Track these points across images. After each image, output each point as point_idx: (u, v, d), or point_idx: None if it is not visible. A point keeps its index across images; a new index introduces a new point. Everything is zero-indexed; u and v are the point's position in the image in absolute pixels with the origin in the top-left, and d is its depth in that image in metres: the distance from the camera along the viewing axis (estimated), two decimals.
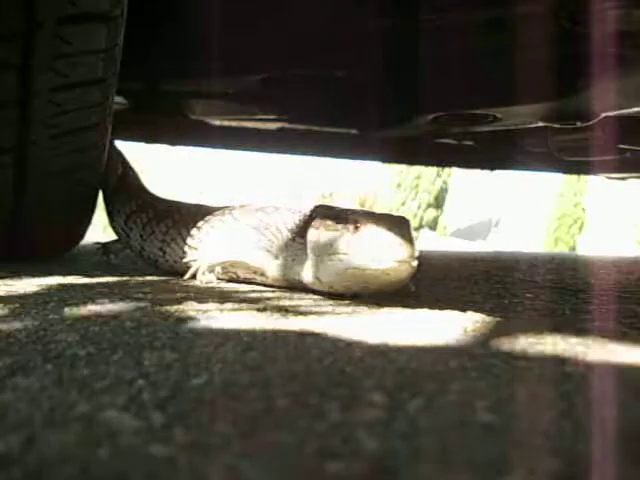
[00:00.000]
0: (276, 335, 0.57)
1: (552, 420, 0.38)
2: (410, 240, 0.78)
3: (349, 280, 0.82)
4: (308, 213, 0.93)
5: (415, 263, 0.79)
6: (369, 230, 0.79)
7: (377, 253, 0.77)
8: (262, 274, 0.97)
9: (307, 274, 0.88)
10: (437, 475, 0.29)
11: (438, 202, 12.98)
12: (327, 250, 0.83)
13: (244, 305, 0.74)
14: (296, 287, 0.93)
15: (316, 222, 0.87)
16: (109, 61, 0.93)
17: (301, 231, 0.91)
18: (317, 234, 0.86)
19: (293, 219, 0.94)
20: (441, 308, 0.79)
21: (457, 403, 0.40)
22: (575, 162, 1.89)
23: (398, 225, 0.80)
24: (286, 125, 1.64)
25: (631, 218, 10.35)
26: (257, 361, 0.48)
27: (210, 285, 0.96)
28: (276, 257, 0.94)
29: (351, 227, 0.81)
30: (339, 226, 0.83)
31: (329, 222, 0.85)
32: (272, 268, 0.95)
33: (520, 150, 1.88)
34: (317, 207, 0.96)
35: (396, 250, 0.77)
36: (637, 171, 2.05)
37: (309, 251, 0.87)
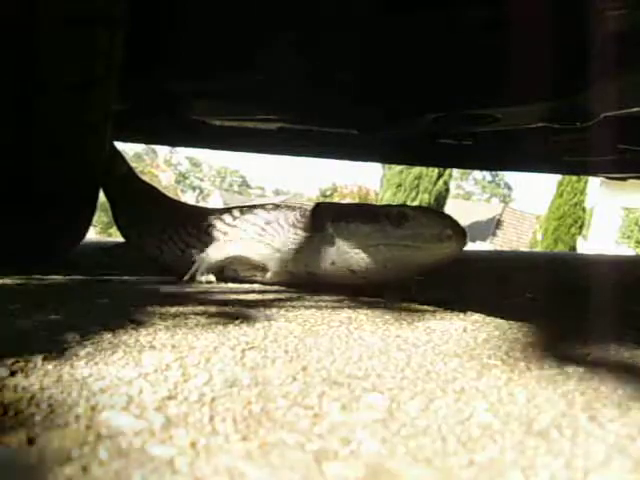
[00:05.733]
0: (276, 335, 0.57)
1: (550, 422, 0.38)
2: (455, 221, 0.82)
3: (396, 266, 0.84)
4: (310, 209, 0.94)
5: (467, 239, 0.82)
6: (417, 219, 0.82)
7: (432, 237, 0.80)
8: (263, 269, 0.97)
9: (333, 265, 0.89)
10: None
11: (439, 202, 12.96)
12: (369, 241, 0.85)
13: (244, 305, 0.74)
14: (299, 281, 0.93)
15: (343, 216, 0.89)
16: None
17: (305, 226, 0.92)
18: (352, 227, 0.87)
19: (295, 215, 0.95)
20: (442, 308, 0.79)
21: (456, 403, 0.40)
22: (575, 162, 1.89)
23: (438, 212, 0.85)
24: (286, 125, 1.63)
25: (631, 218, 10.34)
26: (257, 361, 0.48)
27: (210, 285, 0.96)
28: (279, 251, 0.94)
29: (393, 219, 0.83)
30: (380, 218, 0.85)
31: (366, 214, 0.87)
32: (275, 262, 0.95)
33: (520, 150, 1.87)
34: (319, 204, 0.97)
35: (450, 232, 0.80)
36: (637, 171, 2.05)
37: (336, 243, 0.88)
